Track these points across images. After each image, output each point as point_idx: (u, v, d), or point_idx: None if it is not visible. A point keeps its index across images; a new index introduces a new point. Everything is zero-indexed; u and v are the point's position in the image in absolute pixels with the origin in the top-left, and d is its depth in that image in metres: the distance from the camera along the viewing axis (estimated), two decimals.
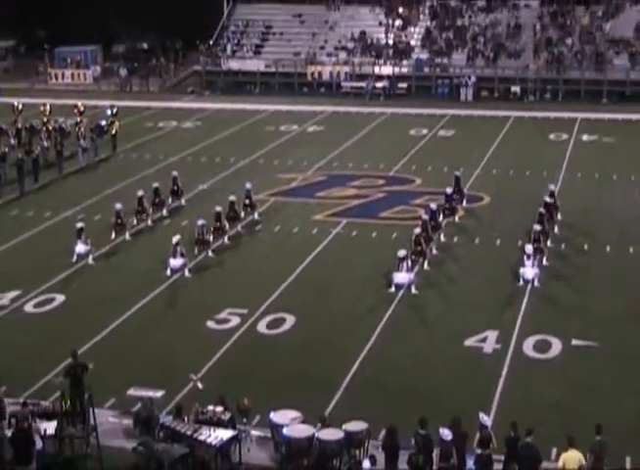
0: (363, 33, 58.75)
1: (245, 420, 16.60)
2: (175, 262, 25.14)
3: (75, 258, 26.21)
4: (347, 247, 27.66)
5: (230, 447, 15.91)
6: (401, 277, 23.99)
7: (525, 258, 24.27)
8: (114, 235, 27.82)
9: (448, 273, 25.42)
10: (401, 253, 24.08)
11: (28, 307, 23.29)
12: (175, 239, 25.23)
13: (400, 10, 60.25)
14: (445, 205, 29.32)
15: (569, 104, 50.27)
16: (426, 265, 25.51)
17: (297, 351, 20.73)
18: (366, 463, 15.64)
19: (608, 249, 27.02)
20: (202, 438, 15.67)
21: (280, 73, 57.43)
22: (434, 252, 26.49)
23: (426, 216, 26.82)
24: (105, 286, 24.66)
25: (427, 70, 55.68)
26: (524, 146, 40.58)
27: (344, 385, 18.94)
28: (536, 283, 24.11)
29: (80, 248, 26.23)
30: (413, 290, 23.87)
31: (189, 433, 15.85)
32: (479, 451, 15.07)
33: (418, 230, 25.70)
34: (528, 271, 24.21)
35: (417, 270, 24.96)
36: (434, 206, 27.93)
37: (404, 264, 23.99)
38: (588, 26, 55.93)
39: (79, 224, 26.67)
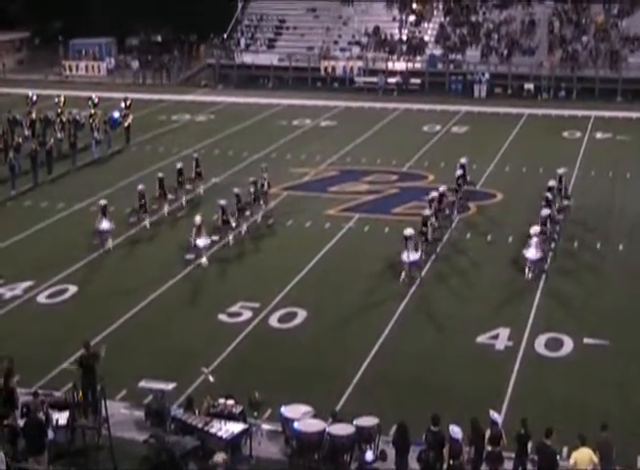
0: (377, 29, 58.69)
1: (256, 414, 16.62)
2: (201, 242, 25.26)
3: (98, 235, 26.40)
4: (359, 242, 27.65)
5: (241, 441, 15.99)
6: (411, 256, 23.90)
7: (529, 238, 24.22)
8: (135, 218, 28.45)
9: (460, 270, 25.40)
10: (408, 231, 24.02)
11: (41, 298, 23.40)
12: (198, 220, 25.33)
13: (414, 5, 60.15)
14: (460, 200, 29.45)
15: (583, 102, 50.04)
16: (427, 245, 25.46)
17: (309, 345, 20.75)
18: (369, 455, 15.67)
19: (620, 247, 26.95)
20: (213, 431, 15.74)
21: (293, 68, 57.44)
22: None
23: (435, 193, 27.10)
24: (117, 278, 24.76)
25: (440, 66, 55.63)
26: (537, 143, 40.45)
27: (356, 380, 18.95)
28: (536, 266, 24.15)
29: (105, 225, 26.38)
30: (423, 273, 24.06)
31: (200, 425, 15.92)
32: (489, 449, 15.07)
33: (427, 212, 25.79)
34: (531, 251, 24.20)
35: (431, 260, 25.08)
36: (442, 188, 28.04)
37: (411, 244, 23.93)
38: (603, 24, 55.68)
39: (103, 202, 26.77)
